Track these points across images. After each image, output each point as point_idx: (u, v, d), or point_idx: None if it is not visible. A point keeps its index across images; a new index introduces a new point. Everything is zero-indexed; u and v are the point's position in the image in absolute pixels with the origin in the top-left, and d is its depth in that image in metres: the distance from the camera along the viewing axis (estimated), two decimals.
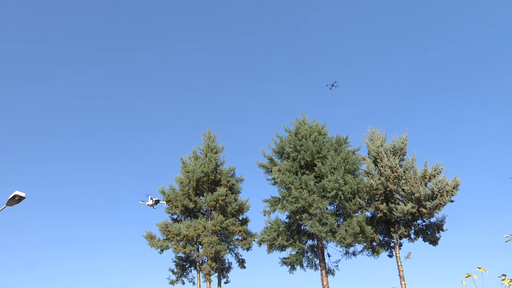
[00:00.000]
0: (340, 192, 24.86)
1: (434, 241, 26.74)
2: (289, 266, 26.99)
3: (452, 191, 25.48)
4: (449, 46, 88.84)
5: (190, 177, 28.42)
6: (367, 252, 27.12)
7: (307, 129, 28.53)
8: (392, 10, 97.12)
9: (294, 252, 26.81)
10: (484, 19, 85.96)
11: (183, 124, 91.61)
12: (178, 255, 28.07)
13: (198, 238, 27.36)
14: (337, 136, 28.52)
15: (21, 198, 13.26)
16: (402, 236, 26.82)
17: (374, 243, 27.27)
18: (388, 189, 26.48)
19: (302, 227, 27.07)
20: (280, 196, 27.43)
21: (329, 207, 26.43)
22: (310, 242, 27.61)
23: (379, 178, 26.55)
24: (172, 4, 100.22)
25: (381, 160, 27.39)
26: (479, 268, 6.29)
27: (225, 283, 28.58)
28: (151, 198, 28.08)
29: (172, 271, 27.98)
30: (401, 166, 27.52)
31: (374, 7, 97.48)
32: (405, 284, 25.63)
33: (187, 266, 28.36)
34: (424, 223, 27.12)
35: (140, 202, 28.01)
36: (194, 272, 28.22)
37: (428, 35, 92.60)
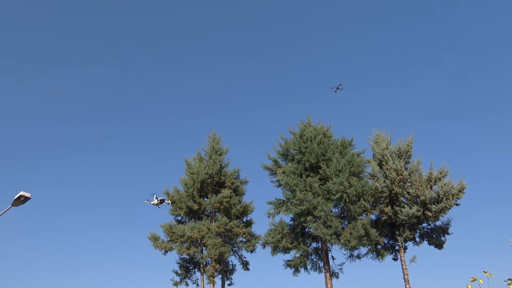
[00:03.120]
0: (345, 195, 24.78)
1: (439, 245, 26.55)
2: (293, 269, 26.93)
3: (458, 195, 25.30)
4: (454, 47, 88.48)
5: (195, 178, 28.47)
6: (371, 255, 27.00)
7: (312, 131, 28.47)
8: (396, 12, 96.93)
9: (298, 255, 26.75)
10: (485, 18, 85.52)
11: (188, 126, 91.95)
12: (182, 256, 28.14)
13: (202, 240, 27.38)
14: (342, 139, 28.46)
15: (26, 199, 13.30)
16: (407, 239, 26.66)
17: (379, 246, 27.14)
18: (393, 192, 26.34)
19: (307, 230, 26.98)
20: (284, 199, 27.38)
21: (333, 210, 26.36)
22: (314, 244, 27.55)
23: (384, 181, 26.43)
24: (175, 5, 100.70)
25: (386, 163, 27.26)
26: (485, 272, 6.22)
27: (229, 285, 28.59)
28: (156, 198, 28.19)
29: (176, 272, 28.02)
30: (406, 169, 27.36)
31: (378, 8, 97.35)
32: (410, 287, 25.47)
33: (191, 267, 28.38)
34: (430, 227, 26.95)
35: (146, 201, 28.14)
36: (198, 274, 28.27)
37: (432, 36, 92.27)
